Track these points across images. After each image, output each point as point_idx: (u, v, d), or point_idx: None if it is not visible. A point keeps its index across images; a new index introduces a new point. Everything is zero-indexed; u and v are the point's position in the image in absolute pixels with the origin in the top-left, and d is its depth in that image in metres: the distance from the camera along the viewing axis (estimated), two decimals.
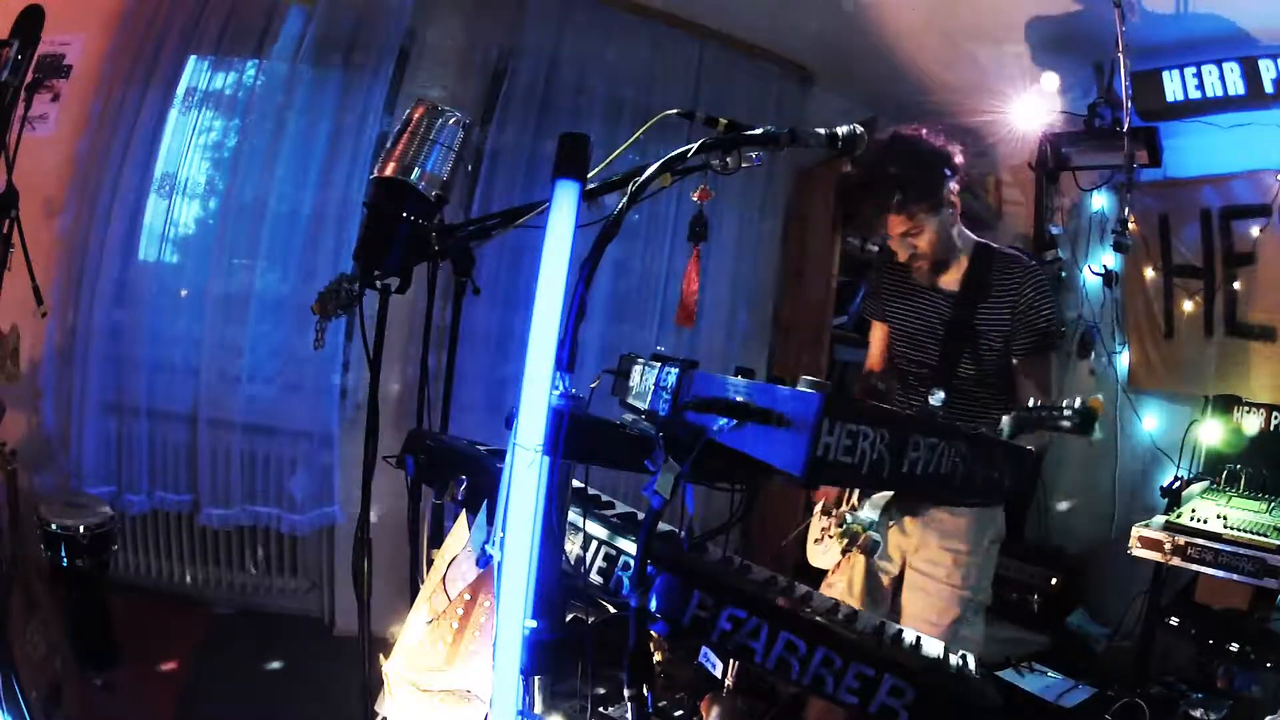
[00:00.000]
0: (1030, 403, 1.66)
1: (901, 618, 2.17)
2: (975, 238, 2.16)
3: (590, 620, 1.22)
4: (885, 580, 2.22)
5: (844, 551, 2.13)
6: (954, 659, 1.18)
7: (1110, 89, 3.05)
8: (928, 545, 2.13)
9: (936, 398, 1.76)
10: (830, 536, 2.22)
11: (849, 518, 2.09)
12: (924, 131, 2.02)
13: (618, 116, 3.42)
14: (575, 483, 1.22)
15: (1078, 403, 1.56)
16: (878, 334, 2.34)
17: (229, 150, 3.10)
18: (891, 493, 2.08)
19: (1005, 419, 1.70)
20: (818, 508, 2.33)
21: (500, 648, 1.06)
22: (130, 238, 2.96)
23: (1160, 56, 3.03)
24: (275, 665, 2.84)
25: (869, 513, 2.08)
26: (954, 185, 2.02)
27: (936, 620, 2.07)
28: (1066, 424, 1.56)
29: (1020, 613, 3.21)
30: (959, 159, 2.03)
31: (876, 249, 2.21)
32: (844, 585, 2.22)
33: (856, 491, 2.18)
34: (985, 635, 2.19)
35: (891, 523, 2.15)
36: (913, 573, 2.15)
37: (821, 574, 2.34)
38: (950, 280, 2.12)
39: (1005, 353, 2.06)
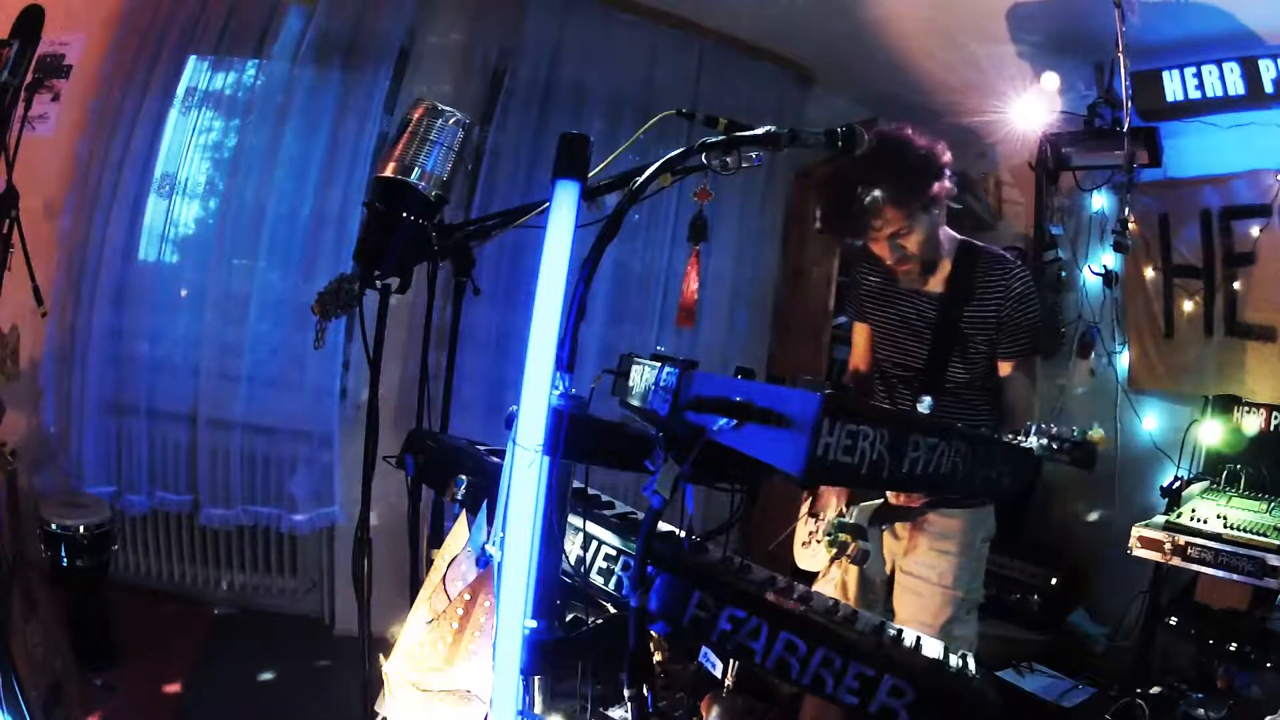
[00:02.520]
0: (1031, 425, 1.57)
1: (894, 620, 2.13)
2: (959, 237, 2.11)
3: (590, 620, 1.22)
4: (879, 583, 2.19)
5: (833, 560, 2.10)
6: (954, 659, 1.18)
7: (1110, 89, 3.05)
8: (918, 547, 2.10)
9: (924, 404, 1.73)
10: (818, 541, 2.19)
11: (835, 524, 2.05)
12: (910, 131, 1.97)
13: (618, 116, 3.42)
14: (575, 483, 1.22)
15: (1076, 433, 1.50)
16: (861, 334, 2.29)
17: (229, 150, 3.11)
18: (879, 501, 2.08)
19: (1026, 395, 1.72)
20: (803, 510, 2.30)
21: (500, 648, 1.06)
22: (130, 238, 2.96)
23: (1160, 56, 3.03)
24: (275, 665, 2.84)
25: (858, 520, 2.06)
26: (941, 187, 1.97)
27: (930, 622, 2.05)
28: (1065, 457, 1.50)
29: (1020, 613, 3.20)
30: (947, 158, 1.99)
31: (856, 249, 2.16)
32: (836, 588, 2.19)
33: (845, 497, 2.16)
34: (980, 634, 2.18)
35: (884, 527, 2.13)
36: (904, 575, 2.13)
37: (812, 576, 2.33)
38: (934, 282, 2.06)
39: (992, 354, 2.03)
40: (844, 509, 2.14)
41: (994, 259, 2.06)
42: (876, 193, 1.88)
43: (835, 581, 2.21)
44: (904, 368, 2.13)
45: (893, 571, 2.18)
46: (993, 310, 1.99)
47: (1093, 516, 3.42)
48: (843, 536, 2.00)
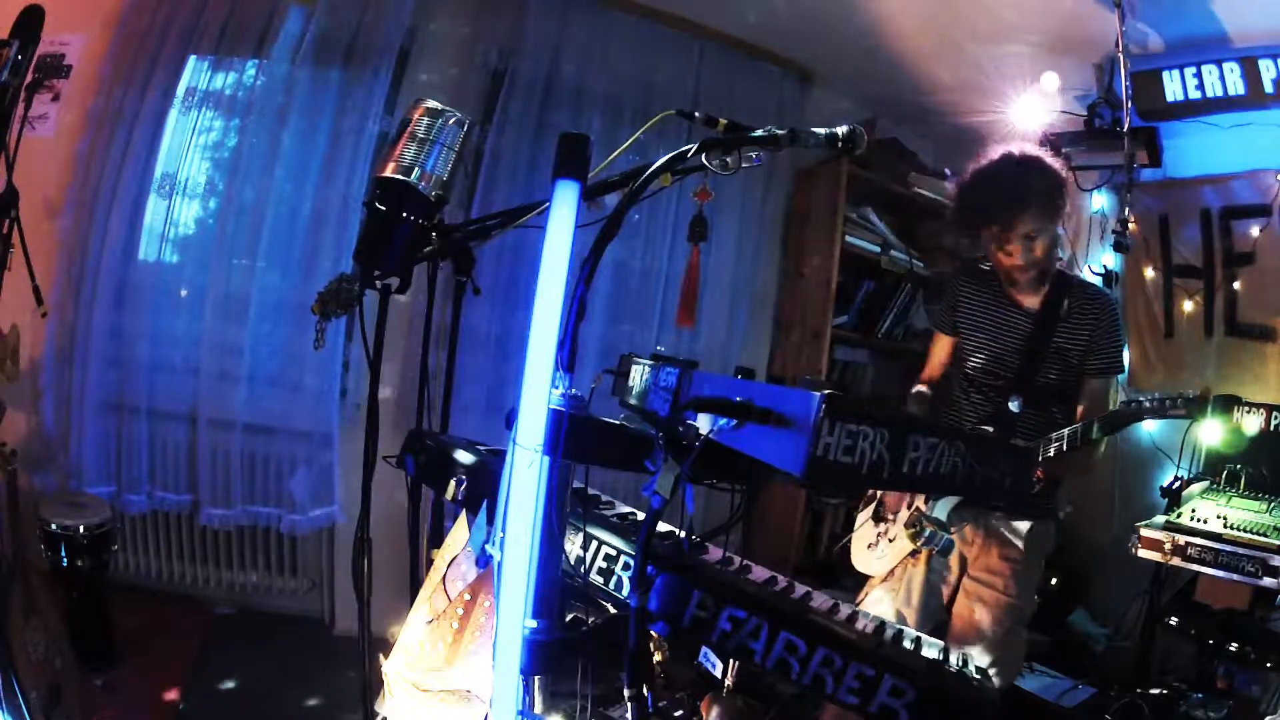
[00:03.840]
0: (1152, 395, 1.97)
1: (952, 625, 2.22)
2: (1057, 265, 2.30)
3: (590, 620, 1.22)
4: (945, 593, 2.26)
5: (915, 552, 2.18)
6: (954, 659, 1.18)
7: (1110, 89, 3.05)
8: (989, 554, 2.20)
9: (1015, 403, 2.12)
10: (890, 540, 2.25)
11: (922, 518, 2.10)
12: (1040, 150, 2.20)
13: (618, 116, 3.42)
14: (575, 483, 1.22)
15: (1189, 393, 1.93)
16: (943, 346, 2.44)
17: (229, 150, 3.10)
18: (959, 497, 2.11)
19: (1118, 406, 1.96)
20: (864, 513, 2.37)
21: (500, 648, 1.06)
22: (130, 238, 2.96)
23: (1160, 56, 3.03)
24: (275, 665, 2.84)
25: (940, 512, 2.11)
26: (1067, 206, 2.22)
27: (990, 629, 2.13)
28: (1181, 411, 1.93)
29: None
30: (1067, 182, 2.21)
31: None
32: (902, 593, 2.24)
33: (921, 495, 2.21)
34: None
35: (954, 529, 2.17)
36: (971, 581, 2.21)
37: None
38: (1031, 300, 2.24)
39: (1077, 371, 2.19)
40: (922, 504, 2.18)
41: (1089, 287, 2.29)
42: (1029, 193, 2.09)
43: (899, 587, 2.25)
44: (994, 375, 2.26)
45: (956, 580, 2.25)
46: (1085, 334, 2.17)
47: (1093, 516, 3.41)
48: (929, 526, 2.06)
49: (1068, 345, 2.19)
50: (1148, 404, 1.95)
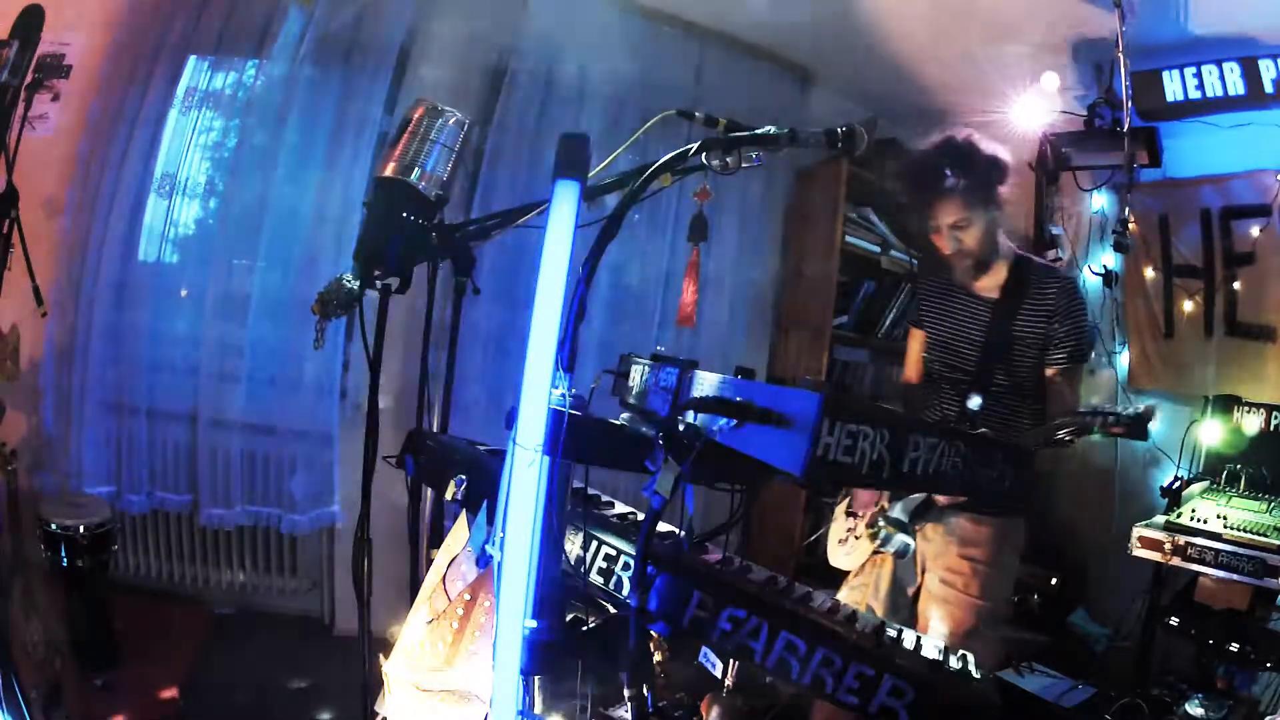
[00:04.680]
0: (1091, 404, 1.81)
1: (918, 626, 2.18)
2: (1015, 248, 2.22)
3: (590, 620, 1.22)
4: (909, 590, 2.23)
5: (875, 552, 2.15)
6: (954, 659, 1.18)
7: (1110, 89, 3.05)
8: (948, 553, 2.15)
9: (974, 401, 1.95)
10: (857, 537, 2.22)
11: (881, 520, 2.09)
12: (978, 136, 2.10)
13: (618, 116, 3.42)
14: (575, 483, 1.22)
15: (1131, 410, 1.72)
16: (915, 343, 2.38)
17: (229, 150, 3.10)
18: (922, 495, 2.10)
19: (1059, 422, 1.82)
20: (840, 508, 2.34)
21: (500, 648, 1.06)
22: (130, 238, 2.96)
23: (1160, 56, 3.03)
24: (275, 665, 2.84)
25: (900, 514, 2.09)
26: (1003, 189, 2.10)
27: (953, 629, 2.09)
28: (1121, 428, 1.72)
29: (1020, 613, 3.21)
30: (1009, 163, 2.11)
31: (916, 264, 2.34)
32: (870, 590, 2.23)
33: (886, 494, 2.19)
34: (1004, 641, 2.26)
35: (918, 526, 2.16)
36: (933, 581, 2.17)
37: (833, 575, 2.35)
38: (989, 287, 2.17)
39: (1040, 362, 2.11)
40: (886, 503, 2.17)
41: (1049, 271, 2.19)
42: (946, 181, 2.01)
43: (869, 582, 2.24)
44: (955, 370, 2.21)
45: (923, 575, 2.22)
46: (1044, 321, 2.09)
47: (1093, 516, 3.42)
48: (886, 528, 2.04)
49: (1028, 334, 2.10)
50: (1096, 417, 1.77)
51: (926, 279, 2.32)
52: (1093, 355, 2.68)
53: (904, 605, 2.22)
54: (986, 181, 2.05)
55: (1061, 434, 1.82)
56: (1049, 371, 2.12)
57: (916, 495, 2.09)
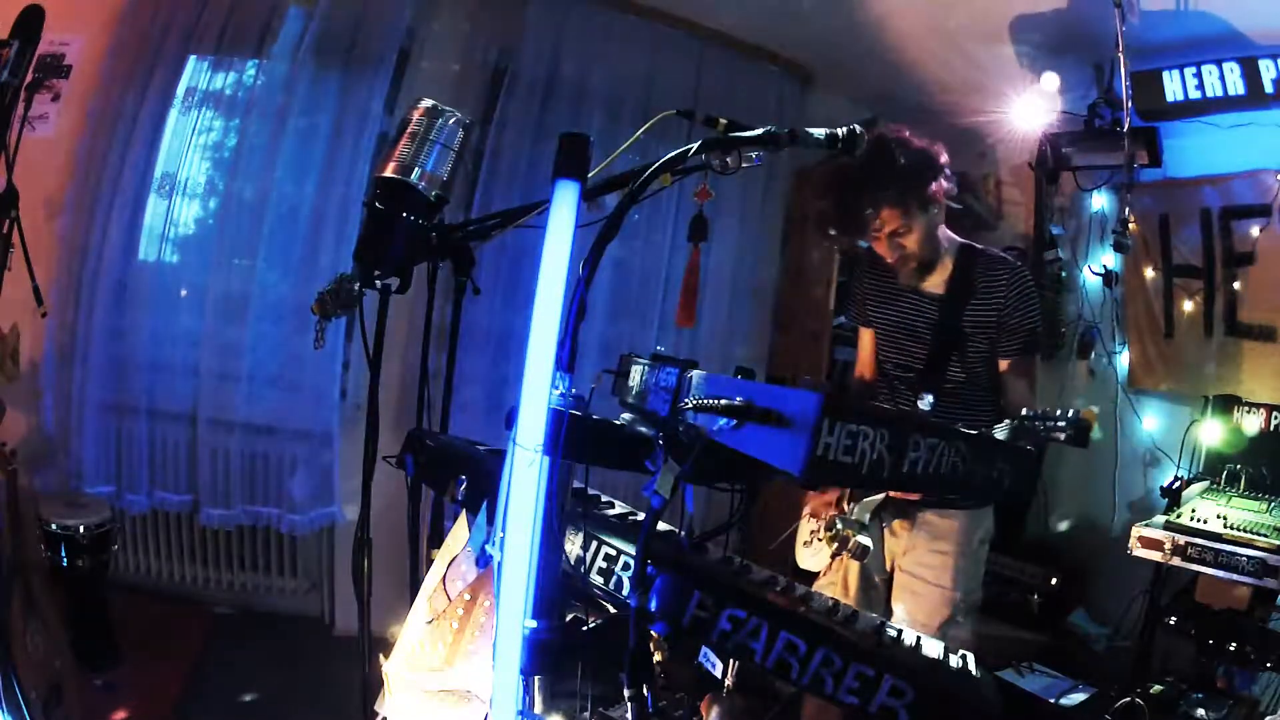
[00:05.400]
0: (1024, 413, 1.68)
1: (893, 619, 2.15)
2: (959, 239, 2.14)
3: (590, 620, 1.22)
4: (879, 581, 2.21)
5: (833, 555, 2.09)
6: (954, 659, 1.18)
7: (1110, 89, 3.05)
8: (916, 547, 2.12)
9: (925, 402, 1.87)
10: (819, 539, 2.19)
11: (838, 522, 2.06)
12: (907, 133, 2.01)
13: (618, 116, 3.42)
14: (575, 483, 1.22)
15: (1071, 413, 1.61)
16: (865, 339, 2.32)
17: (229, 150, 3.10)
18: (881, 496, 2.07)
19: (999, 428, 1.72)
20: (806, 510, 2.31)
21: (500, 648, 1.06)
22: (130, 238, 2.96)
23: (1160, 56, 3.03)
24: (275, 665, 2.84)
25: (859, 516, 2.04)
26: (939, 186, 2.01)
27: (926, 622, 2.06)
28: (1060, 435, 1.60)
29: (1020, 613, 3.21)
30: (944, 159, 2.02)
31: (860, 251, 2.24)
32: (838, 588, 2.21)
33: (847, 495, 2.16)
34: (977, 635, 2.18)
35: (884, 525, 2.15)
36: (902, 575, 2.14)
37: (814, 576, 2.34)
38: (935, 283, 2.10)
39: (991, 354, 2.06)
40: (844, 505, 2.14)
41: (994, 260, 2.09)
42: (875, 192, 1.92)
43: (837, 580, 2.22)
44: (905, 368, 2.16)
45: (893, 570, 2.19)
46: (994, 311, 2.02)
47: (1093, 516, 3.42)
48: (843, 531, 2.00)
49: (977, 327, 2.04)
50: (1037, 423, 1.66)
51: (868, 277, 2.23)
52: (1065, 344, 2.57)
53: (877, 600, 2.19)
54: (919, 182, 1.96)
55: (997, 437, 1.71)
56: (1002, 364, 2.06)
57: (876, 495, 2.06)
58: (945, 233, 2.11)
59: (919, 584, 2.10)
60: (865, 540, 1.94)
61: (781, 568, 1.47)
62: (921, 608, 2.09)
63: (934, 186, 1.98)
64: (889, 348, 2.19)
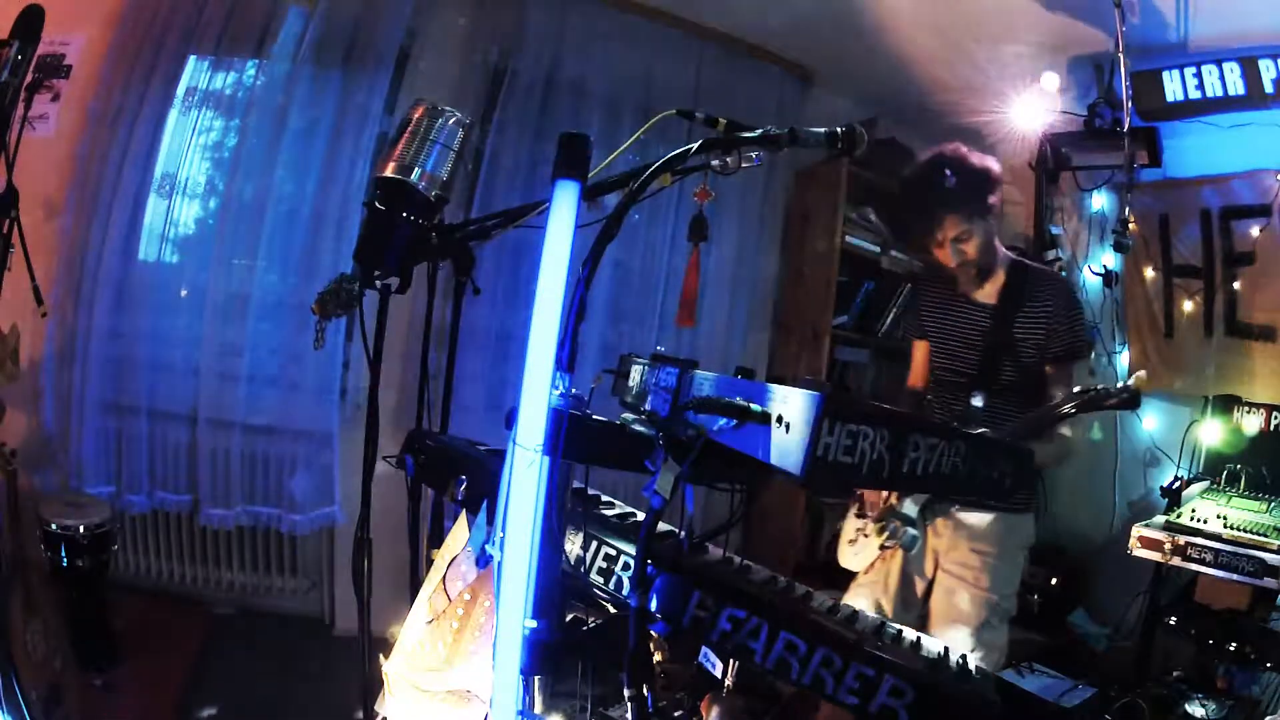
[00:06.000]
0: (1082, 387, 2.00)
1: (929, 619, 2.24)
2: (1012, 255, 2.31)
3: (590, 620, 1.22)
4: (919, 586, 2.28)
5: (883, 546, 2.21)
6: (954, 659, 1.18)
7: (1110, 89, 3.05)
8: (958, 547, 2.21)
9: (978, 400, 2.14)
10: (866, 535, 2.29)
11: (890, 514, 2.15)
12: (967, 149, 2.19)
13: (618, 116, 3.42)
14: (575, 483, 1.22)
15: (1122, 384, 1.99)
16: (919, 352, 2.47)
17: (229, 150, 3.10)
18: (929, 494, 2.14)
19: (1061, 401, 2.00)
20: (852, 510, 2.40)
21: (500, 648, 1.06)
22: (130, 238, 2.95)
23: (1160, 56, 3.03)
24: (275, 665, 2.84)
25: (910, 509, 2.15)
26: (997, 198, 2.19)
27: (962, 623, 2.15)
28: (1115, 400, 1.94)
29: (1020, 613, 3.20)
30: (999, 174, 2.20)
31: (917, 268, 2.45)
32: (880, 586, 2.28)
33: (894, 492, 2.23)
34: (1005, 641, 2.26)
35: (928, 523, 2.21)
36: (943, 574, 2.24)
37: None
38: (988, 292, 2.26)
39: (1039, 360, 2.19)
40: (894, 500, 2.22)
41: (1043, 274, 2.30)
42: (941, 200, 2.12)
43: (878, 579, 2.29)
44: (958, 373, 2.29)
45: (934, 573, 2.27)
46: (1041, 321, 2.18)
47: (1093, 516, 3.42)
48: (894, 523, 2.12)
49: (1026, 335, 2.19)
50: (1082, 396, 2.00)
51: (926, 290, 2.42)
52: (1091, 355, 2.76)
53: (914, 602, 2.28)
54: (981, 193, 2.14)
55: (1065, 409, 2.00)
56: (1048, 369, 2.20)
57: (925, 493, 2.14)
58: (1000, 246, 2.28)
59: (958, 584, 2.19)
60: (915, 532, 2.11)
61: (782, 568, 1.47)
62: (959, 608, 2.17)
63: (992, 198, 2.17)
64: (943, 354, 2.34)
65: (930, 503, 2.18)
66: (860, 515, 2.36)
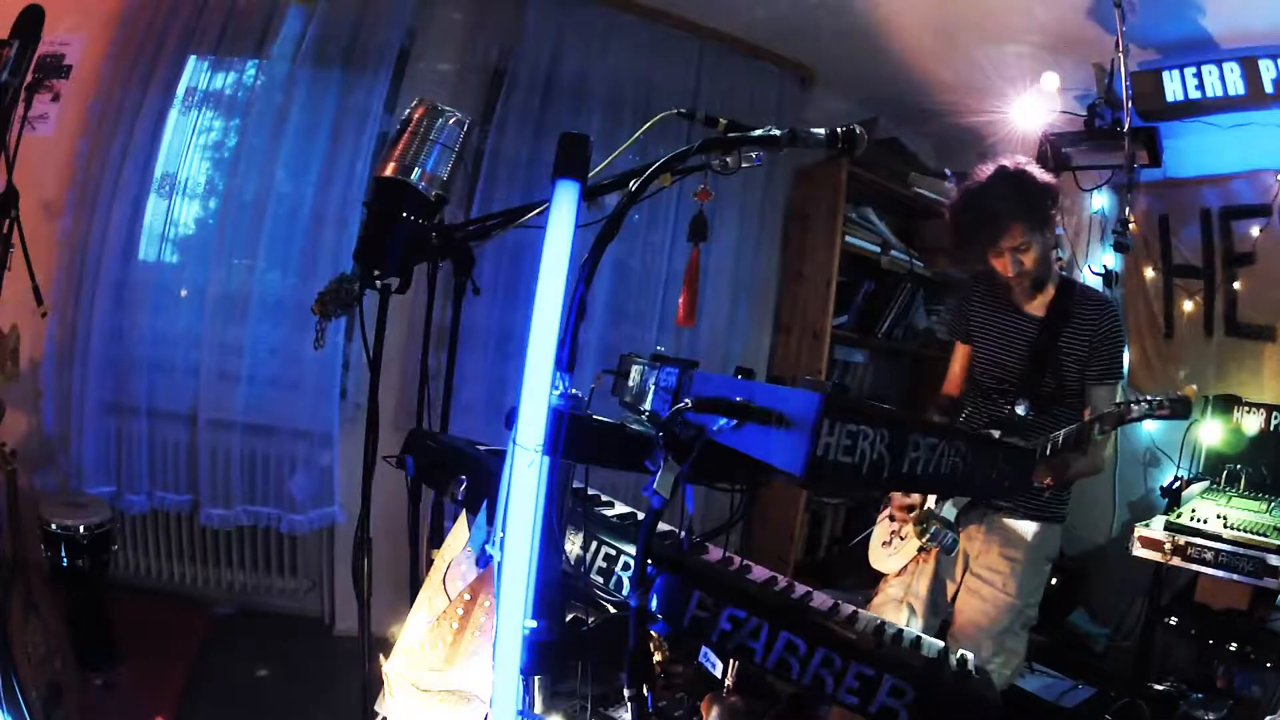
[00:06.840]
0: (1132, 397, 2.04)
1: (955, 622, 2.28)
2: (1063, 273, 2.38)
3: (590, 620, 1.22)
4: (950, 589, 2.31)
5: (921, 548, 2.26)
6: (954, 659, 1.18)
7: (1110, 89, 3.05)
8: (990, 551, 2.25)
9: (1021, 407, 2.21)
10: (902, 538, 2.33)
11: (930, 516, 2.19)
12: (1029, 162, 2.24)
13: (618, 116, 3.42)
14: (575, 483, 1.22)
15: (1172, 393, 2.01)
16: (959, 355, 2.51)
17: (229, 150, 3.10)
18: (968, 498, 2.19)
19: (1108, 410, 2.04)
20: (885, 512, 2.43)
21: (500, 648, 1.06)
22: (130, 238, 2.95)
23: (1160, 56, 3.03)
24: (275, 665, 2.84)
25: (949, 512, 2.19)
26: (1057, 214, 2.25)
27: (987, 626, 2.19)
28: (1167, 409, 1.97)
29: None
30: (1060, 191, 2.26)
31: (969, 274, 2.53)
32: (911, 588, 2.31)
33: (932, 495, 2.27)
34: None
35: (962, 528, 2.24)
36: (971, 577, 2.27)
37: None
38: (1038, 305, 2.31)
39: (1080, 375, 2.23)
40: (932, 503, 2.26)
41: (1090, 294, 2.34)
42: (1005, 210, 2.15)
43: (909, 581, 2.32)
44: (999, 380, 2.33)
45: (962, 578, 2.30)
46: (1085, 338, 2.22)
47: (1093, 516, 3.42)
48: (935, 524, 2.16)
49: (1070, 350, 2.24)
50: (1136, 405, 2.01)
51: (974, 295, 2.45)
52: (1124, 379, 2.79)
53: (943, 605, 2.31)
54: (1043, 206, 2.19)
55: (1129, 417, 2.03)
56: (1090, 383, 2.24)
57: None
58: (1054, 260, 2.32)
59: (986, 588, 2.23)
60: (955, 535, 2.15)
61: (782, 568, 1.47)
62: (985, 612, 2.21)
63: (1052, 213, 2.21)
64: (986, 360, 2.38)
65: (968, 507, 2.22)
66: (893, 518, 2.39)
